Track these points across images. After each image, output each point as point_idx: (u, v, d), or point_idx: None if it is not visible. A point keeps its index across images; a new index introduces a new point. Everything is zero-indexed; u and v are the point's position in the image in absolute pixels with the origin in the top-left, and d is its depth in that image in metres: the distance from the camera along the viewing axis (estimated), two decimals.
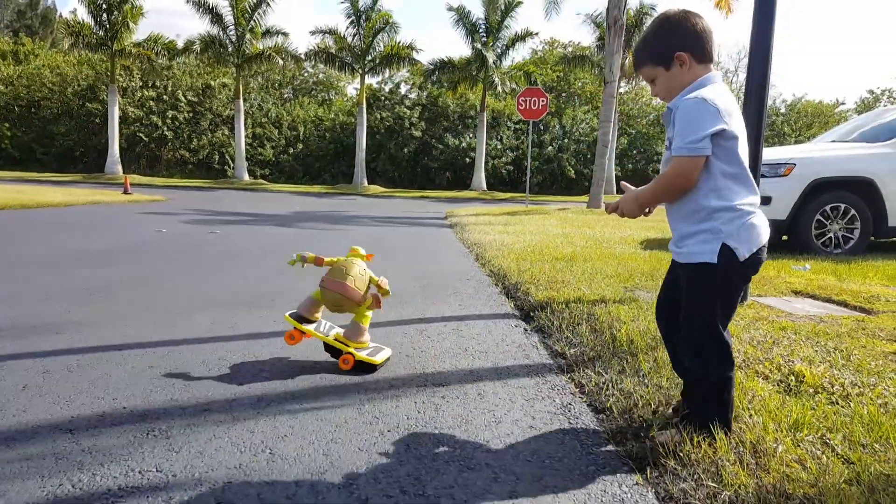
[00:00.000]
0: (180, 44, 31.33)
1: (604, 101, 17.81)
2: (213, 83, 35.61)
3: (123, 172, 29.99)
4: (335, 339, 2.69)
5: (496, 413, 2.27)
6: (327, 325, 2.79)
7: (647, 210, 1.95)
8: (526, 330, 3.49)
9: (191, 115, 34.90)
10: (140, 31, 30.57)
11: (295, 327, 2.71)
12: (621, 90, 36.62)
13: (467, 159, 35.52)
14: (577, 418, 2.23)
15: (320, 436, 2.02)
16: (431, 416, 2.22)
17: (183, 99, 34.68)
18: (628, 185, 2.05)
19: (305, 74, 43.59)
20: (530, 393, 2.48)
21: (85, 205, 12.52)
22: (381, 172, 36.07)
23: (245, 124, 32.17)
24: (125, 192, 17.74)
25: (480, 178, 32.38)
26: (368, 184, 33.00)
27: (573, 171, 36.44)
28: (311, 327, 2.71)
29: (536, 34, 33.26)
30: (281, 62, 31.51)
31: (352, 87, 43.85)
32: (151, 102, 33.89)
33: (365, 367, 2.65)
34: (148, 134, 33.53)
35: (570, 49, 40.96)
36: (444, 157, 36.38)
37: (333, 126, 37.75)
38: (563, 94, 41.88)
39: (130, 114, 32.83)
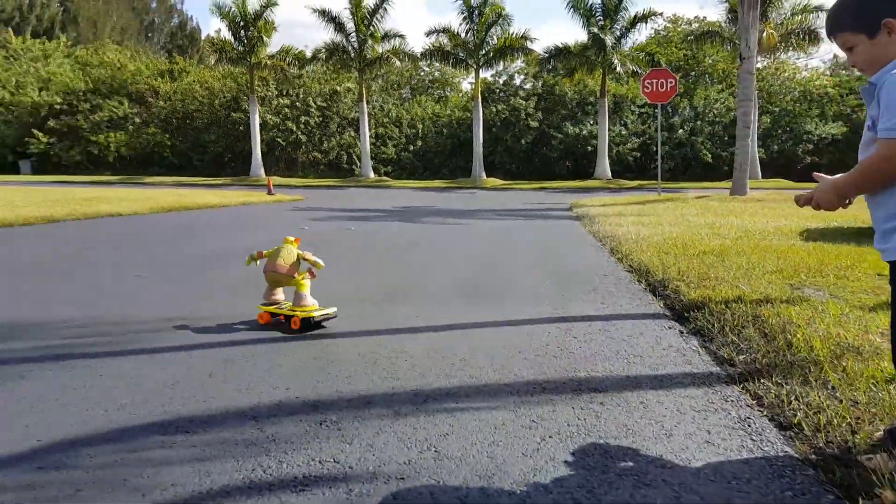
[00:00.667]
0: (308, 53, 33.32)
1: (741, 78, 16.53)
2: (338, 88, 37.40)
3: (266, 175, 32.34)
4: (288, 310, 3.25)
5: (664, 424, 2.14)
6: (286, 305, 3.35)
7: (846, 201, 1.74)
8: (682, 332, 3.29)
9: (321, 119, 36.89)
10: (273, 44, 32.69)
11: (262, 311, 3.32)
12: (758, 65, 33.87)
13: (588, 147, 34.52)
14: (760, 435, 2.04)
15: (481, 437, 2.02)
16: (592, 423, 2.14)
17: (313, 104, 36.73)
18: (822, 175, 1.84)
19: (422, 73, 44.51)
20: (700, 403, 2.32)
21: (237, 206, 13.61)
22: (498, 165, 36.04)
23: (368, 125, 33.47)
24: (269, 192, 19.12)
25: (604, 166, 31.35)
26: (486, 177, 33.10)
27: (709, 155, 34.24)
28: (275, 307, 3.31)
29: (660, 14, 31.61)
30: (398, 63, 32.45)
31: (466, 82, 44.19)
32: (286, 109, 36.23)
33: (311, 326, 3.20)
34: (285, 138, 35.88)
35: (695, 26, 38.39)
36: (564, 147, 35.60)
37: (450, 122, 38.26)
38: (692, 74, 39.41)
39: (269, 120, 35.29)
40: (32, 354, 2.81)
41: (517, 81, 39.58)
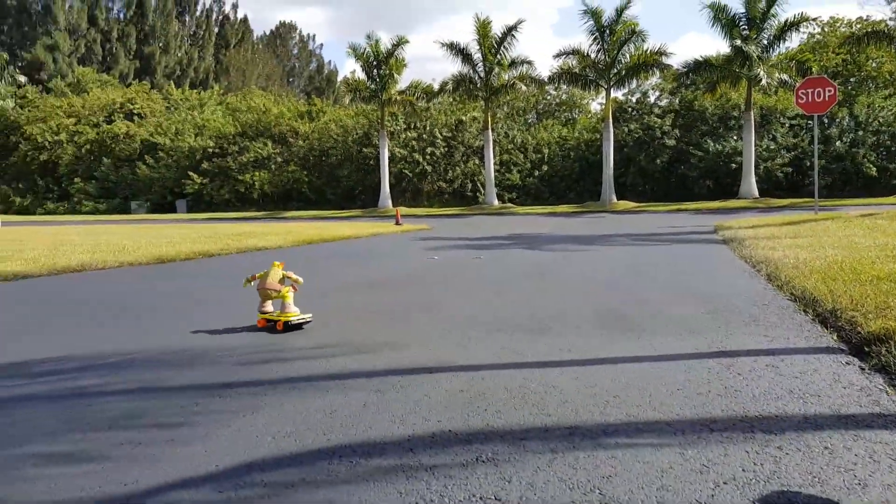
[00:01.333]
0: (436, 86, 34.60)
1: None
2: (464, 118, 38.32)
3: (393, 205, 33.69)
4: (276, 316, 4.08)
5: (856, 473, 1.89)
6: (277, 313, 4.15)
7: None
8: (863, 369, 2.92)
9: (446, 149, 37.93)
10: (403, 80, 34.41)
11: (260, 318, 4.16)
12: None
13: (732, 165, 32.48)
14: None
15: (648, 480, 1.89)
16: (772, 469, 1.94)
17: (439, 135, 37.89)
18: None
19: (548, 97, 44.44)
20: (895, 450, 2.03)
21: (368, 237, 14.25)
22: (630, 187, 34.88)
23: (493, 152, 33.87)
24: (397, 223, 19.84)
25: (750, 183, 29.32)
26: (617, 199, 32.13)
27: (874, 168, 31.01)
28: (268, 315, 4.13)
29: (815, 19, 29.30)
30: (525, 89, 32.65)
31: (596, 103, 43.42)
32: (413, 142, 37.68)
33: (291, 327, 4.04)
34: (411, 170, 37.26)
35: (857, 27, 35.10)
36: (704, 165, 33.75)
37: (578, 144, 37.72)
38: (852, 80, 36.02)
39: (397, 153, 36.86)
40: (205, 382, 3.05)
41: (651, 99, 38.37)
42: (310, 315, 4.17)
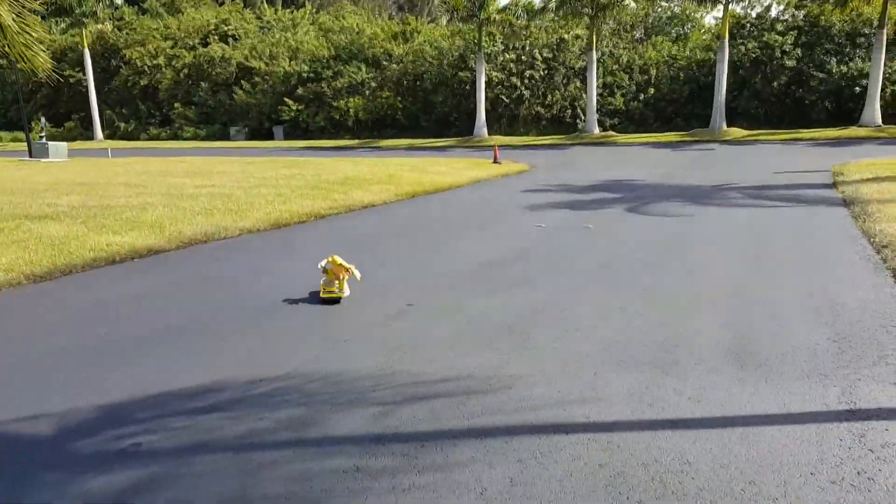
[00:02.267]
0: (538, 3, 32.69)
1: None
2: (566, 36, 36.19)
3: (488, 134, 33.02)
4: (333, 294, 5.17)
5: None
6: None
7: None
8: None
9: (545, 71, 36.22)
10: None
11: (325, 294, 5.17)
12: None
13: (856, 88, 29.15)
14: None
15: None
16: None
17: (539, 57, 36.14)
18: None
19: (658, 10, 40.92)
20: None
21: (469, 184, 14.09)
22: (742, 112, 32.18)
23: (596, 74, 32.04)
24: (495, 160, 19.47)
25: (874, 109, 26.35)
26: (727, 126, 29.82)
27: None
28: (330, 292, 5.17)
29: None
30: (634, 4, 30.18)
31: (711, 16, 39.64)
32: (511, 64, 36.19)
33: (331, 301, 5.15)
34: (508, 95, 36.05)
35: None
36: (825, 88, 30.50)
37: (689, 65, 34.85)
38: None
39: (493, 77, 35.66)
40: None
41: (773, 13, 34.53)
42: (347, 291, 5.20)
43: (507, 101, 35.97)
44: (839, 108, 30.55)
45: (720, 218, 8.86)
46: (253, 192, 12.27)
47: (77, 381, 3.74)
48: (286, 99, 40.41)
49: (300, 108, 40.21)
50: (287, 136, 40.64)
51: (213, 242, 7.98)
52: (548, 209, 10.10)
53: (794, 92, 31.56)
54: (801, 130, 28.39)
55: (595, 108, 32.04)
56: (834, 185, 11.63)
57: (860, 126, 26.68)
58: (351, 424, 3.13)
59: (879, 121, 26.50)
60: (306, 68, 41.10)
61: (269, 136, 41.38)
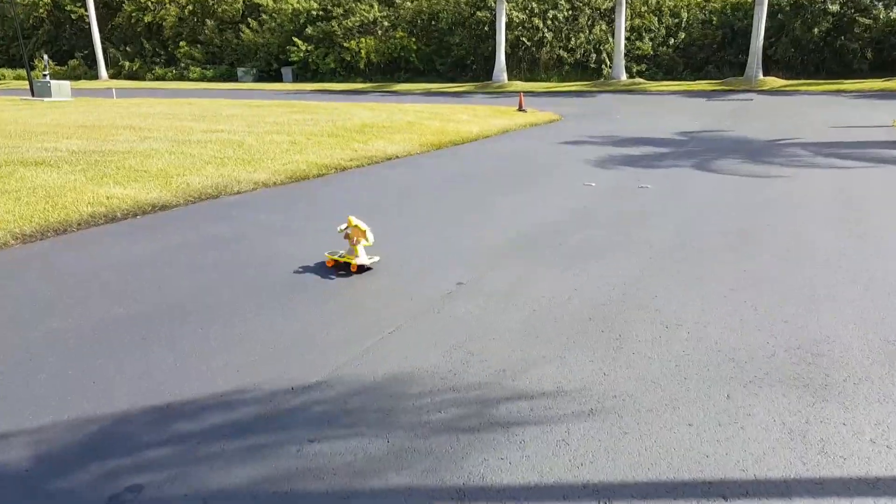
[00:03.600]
0: None
1: None
2: None
3: (508, 79, 31.47)
4: (350, 258, 4.51)
5: None
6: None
7: None
8: None
9: (570, 12, 34.26)
10: None
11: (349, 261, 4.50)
12: None
13: None
14: None
15: None
16: None
17: None
18: None
19: None
20: None
21: (497, 135, 13.04)
22: (778, 59, 30.44)
23: (624, 16, 30.19)
24: (520, 108, 18.28)
25: None
26: (763, 75, 28.21)
27: None
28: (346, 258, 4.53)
29: None
30: None
31: None
32: (533, 4, 34.21)
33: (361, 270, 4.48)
34: (529, 37, 34.22)
35: None
36: (869, 35, 28.70)
37: (723, 8, 32.83)
38: None
39: (514, 18, 33.77)
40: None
41: None
42: (377, 258, 4.60)
43: (527, 43, 34.20)
44: (882, 58, 28.81)
45: (799, 180, 7.86)
46: (266, 138, 11.32)
47: (62, 385, 2.96)
48: (295, 38, 38.70)
49: (309, 48, 38.53)
50: (296, 79, 39.12)
51: (225, 197, 7.12)
52: (593, 165, 9.13)
53: (836, 39, 29.72)
54: (844, 81, 26.79)
55: (623, 53, 30.37)
56: None
57: None
58: (414, 467, 2.33)
59: None
60: (315, 5, 39.17)
61: (278, 78, 39.85)
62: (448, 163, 9.77)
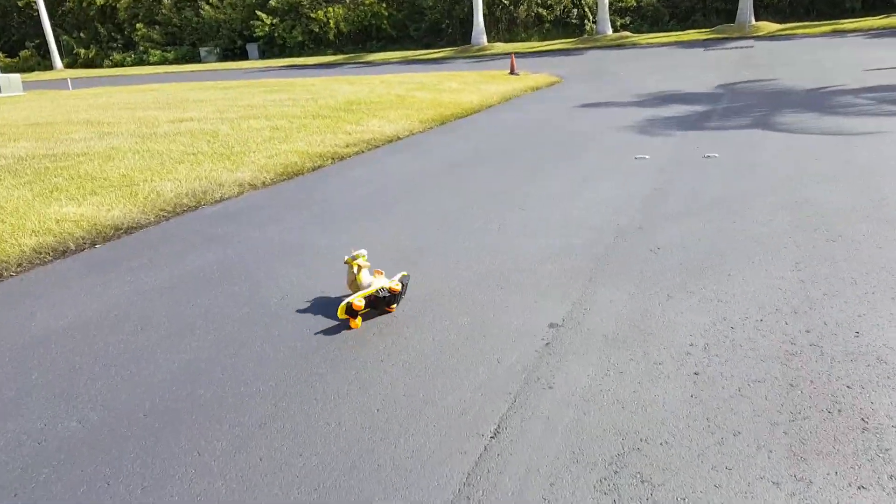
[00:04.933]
0: None
1: None
2: None
3: (487, 41, 29.84)
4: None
5: None
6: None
7: None
8: None
9: None
10: None
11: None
12: None
13: None
14: None
15: None
16: None
17: None
18: None
19: None
20: None
21: (501, 103, 11.69)
22: (767, 4, 29.18)
23: None
24: (512, 72, 16.88)
25: None
26: (755, 20, 26.97)
27: None
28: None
29: None
30: None
31: None
32: None
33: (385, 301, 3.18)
34: None
35: None
36: None
37: None
38: None
39: None
40: None
41: None
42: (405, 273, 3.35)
43: (505, 2, 32.46)
44: None
45: (890, 134, 6.70)
46: (242, 125, 9.86)
47: None
48: (258, 12, 36.49)
49: (275, 21, 36.37)
50: (263, 55, 37.04)
51: (205, 207, 5.74)
52: (633, 132, 7.87)
53: None
54: (840, 21, 25.68)
55: (607, 6, 28.86)
56: None
57: None
58: None
59: None
60: None
61: (243, 56, 37.71)
62: (459, 141, 8.44)
